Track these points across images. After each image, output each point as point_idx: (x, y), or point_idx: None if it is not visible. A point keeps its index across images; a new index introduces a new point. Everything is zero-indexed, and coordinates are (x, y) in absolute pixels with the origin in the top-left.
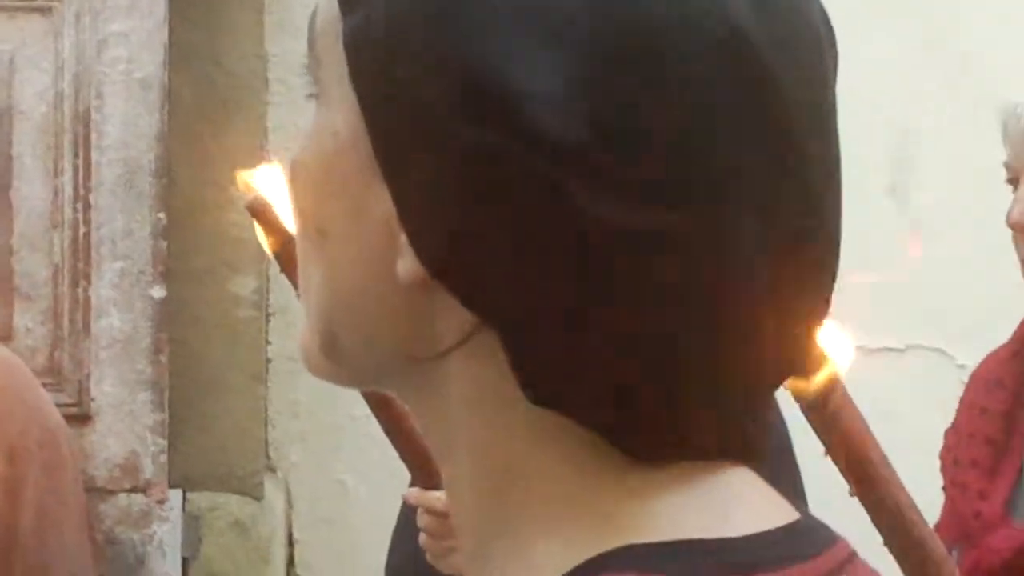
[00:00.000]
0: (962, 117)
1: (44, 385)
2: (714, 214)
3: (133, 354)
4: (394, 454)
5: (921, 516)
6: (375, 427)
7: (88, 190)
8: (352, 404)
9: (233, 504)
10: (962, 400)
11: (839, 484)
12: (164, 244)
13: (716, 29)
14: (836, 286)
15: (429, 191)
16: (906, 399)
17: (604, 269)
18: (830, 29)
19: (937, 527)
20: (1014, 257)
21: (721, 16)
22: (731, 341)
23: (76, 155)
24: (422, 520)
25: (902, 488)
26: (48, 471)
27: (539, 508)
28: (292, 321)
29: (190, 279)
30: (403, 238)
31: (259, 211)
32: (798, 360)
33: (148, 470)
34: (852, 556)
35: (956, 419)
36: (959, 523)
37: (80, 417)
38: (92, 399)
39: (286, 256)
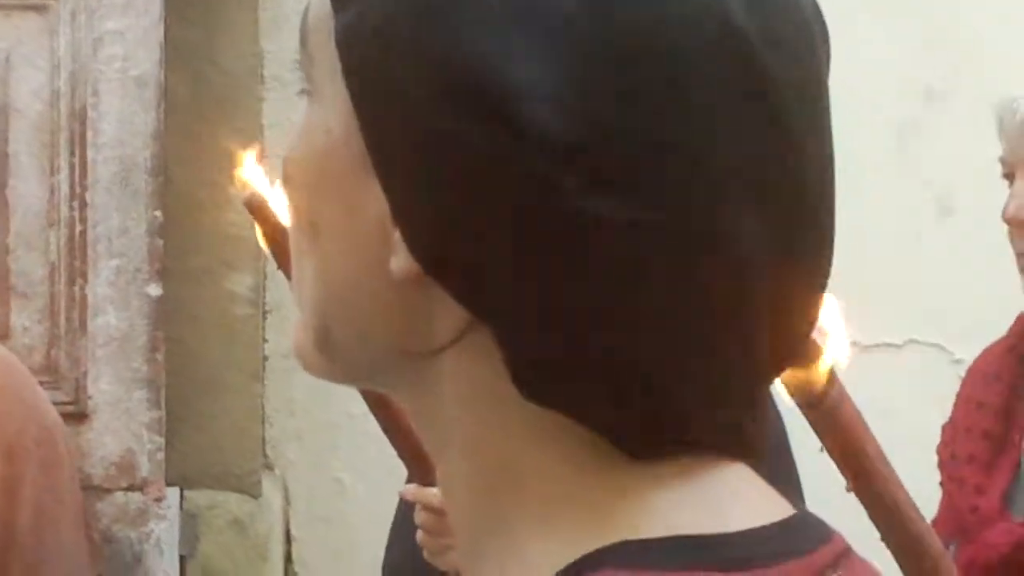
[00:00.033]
0: (959, 114)
1: (41, 383)
2: (711, 211)
3: (130, 352)
4: (392, 452)
5: (918, 511)
6: (373, 425)
7: (84, 188)
8: (349, 402)
9: (231, 502)
10: (959, 395)
11: (836, 480)
12: (160, 242)
13: (713, 28)
14: (833, 282)
15: (422, 188)
16: (904, 395)
17: (599, 266)
18: (822, 24)
19: (934, 522)
20: (1011, 252)
21: (717, 15)
22: (727, 337)
23: (72, 153)
24: (419, 517)
25: (899, 484)
26: (45, 469)
27: (535, 505)
28: (289, 319)
29: (186, 277)
30: (396, 234)
31: (256, 207)
32: (794, 356)
33: (145, 468)
34: (848, 551)
35: (953, 414)
36: (956, 518)
37: (77, 415)
38: (89, 397)
39: (282, 252)
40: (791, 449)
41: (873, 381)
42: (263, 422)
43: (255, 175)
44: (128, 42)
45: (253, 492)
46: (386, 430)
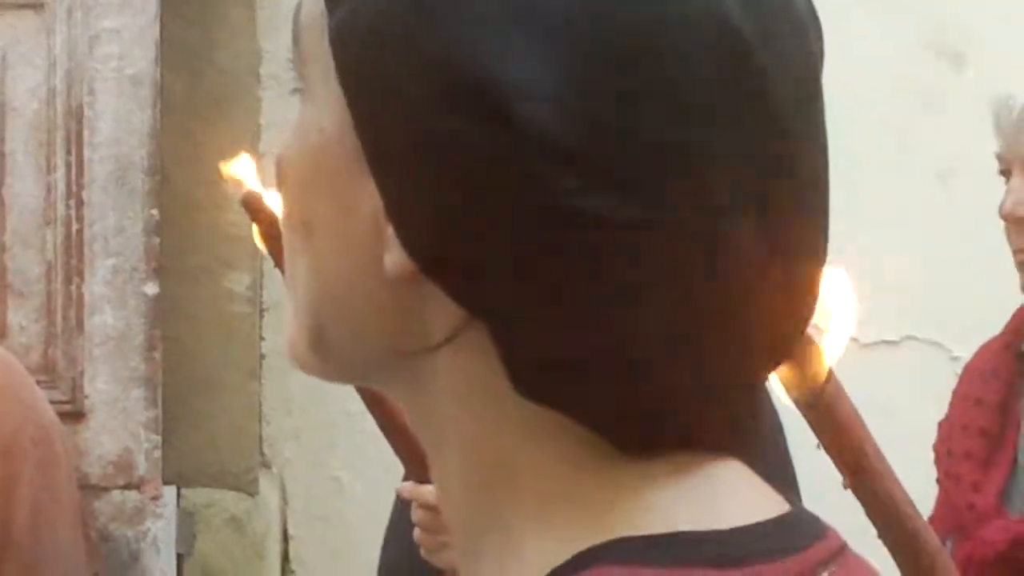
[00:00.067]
0: (956, 112)
1: (38, 382)
2: (709, 210)
3: (127, 351)
4: (389, 449)
5: (915, 508)
6: (370, 423)
7: (81, 187)
8: (347, 400)
9: (228, 500)
10: (956, 392)
11: (833, 477)
12: (157, 241)
13: (711, 27)
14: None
15: (418, 186)
16: (901, 391)
17: (594, 264)
18: (816, 22)
19: (931, 519)
20: (1008, 248)
21: (715, 15)
22: (724, 335)
23: (68, 152)
24: (416, 515)
25: (896, 481)
26: (42, 468)
27: (530, 502)
28: (286, 317)
29: (183, 276)
30: (390, 232)
31: (252, 205)
32: (790, 351)
33: (142, 467)
34: (843, 547)
35: (950, 411)
36: (953, 515)
37: (74, 414)
38: (86, 396)
39: (279, 250)
40: (788, 446)
41: (871, 378)
42: (260, 420)
43: (249, 173)
44: (124, 40)
45: (250, 490)
46: (383, 428)
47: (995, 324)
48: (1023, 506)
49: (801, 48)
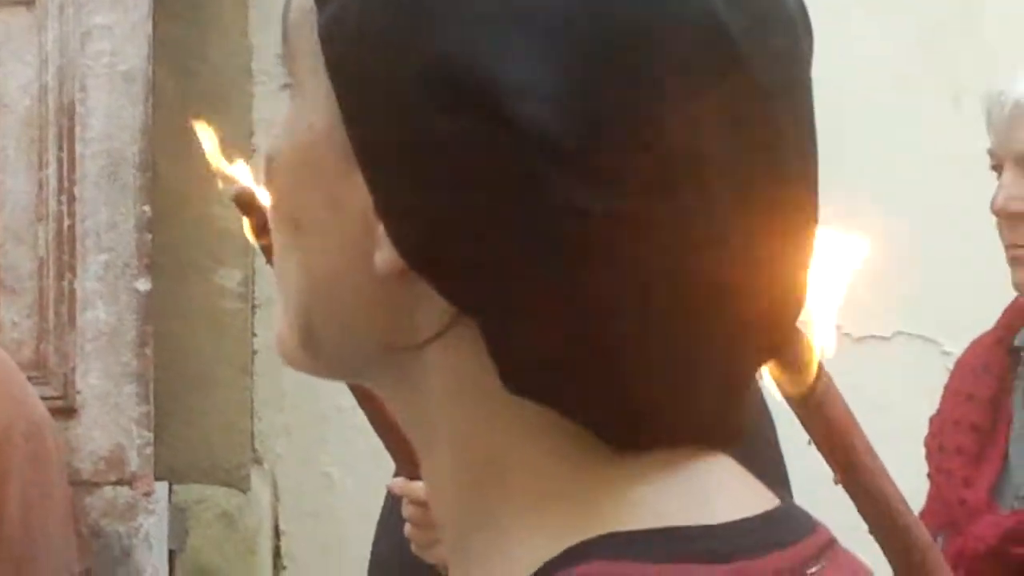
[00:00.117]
0: (951, 109)
1: (29, 378)
2: (694, 202)
3: (118, 347)
4: (380, 445)
5: (906, 504)
6: (361, 419)
7: (72, 183)
8: (338, 396)
9: (219, 496)
10: (947, 387)
11: (824, 473)
12: (149, 237)
13: (698, 22)
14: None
15: (406, 182)
16: (892, 387)
17: (584, 259)
18: (806, 20)
19: (922, 514)
20: (999, 244)
21: (709, 14)
22: (713, 330)
23: (60, 148)
24: (407, 510)
25: (887, 476)
26: (33, 464)
27: (520, 499)
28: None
29: (175, 272)
30: (380, 229)
31: (245, 201)
32: (779, 346)
33: (134, 463)
34: (832, 543)
35: (941, 406)
36: (944, 510)
37: (66, 410)
38: (78, 392)
39: (271, 246)
40: (779, 442)
41: (861, 373)
42: (252, 416)
43: (240, 169)
44: (116, 37)
45: (242, 486)
46: (373, 424)
47: (987, 319)
48: (1014, 501)
49: (792, 48)
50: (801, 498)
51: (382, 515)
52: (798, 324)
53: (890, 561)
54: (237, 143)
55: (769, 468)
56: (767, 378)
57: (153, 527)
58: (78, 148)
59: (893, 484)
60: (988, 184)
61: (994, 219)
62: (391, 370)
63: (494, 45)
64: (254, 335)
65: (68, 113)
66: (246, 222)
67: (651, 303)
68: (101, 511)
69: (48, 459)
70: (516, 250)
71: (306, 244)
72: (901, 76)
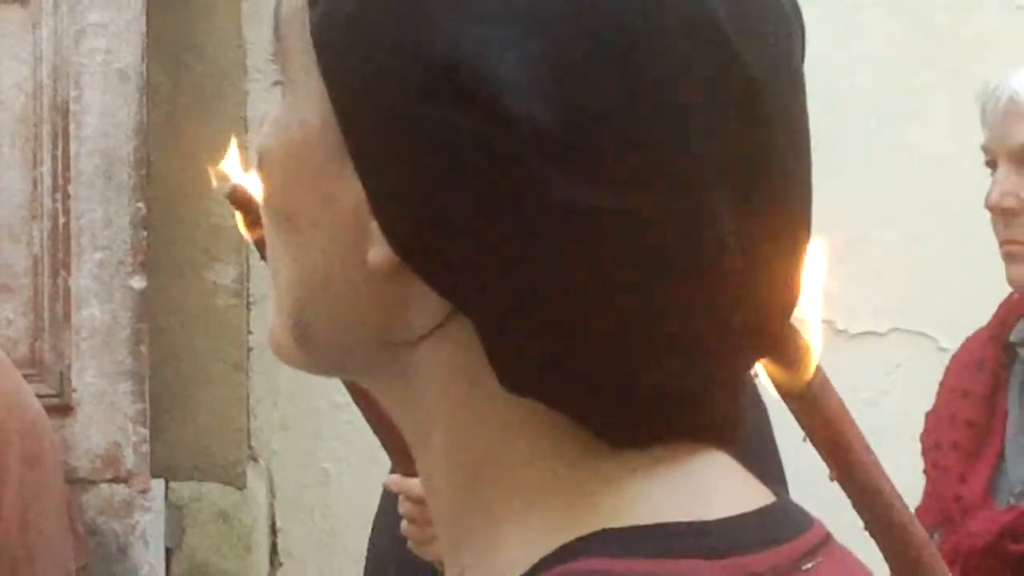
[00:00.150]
0: (948, 107)
1: (25, 376)
2: (686, 195)
3: (114, 344)
4: (376, 441)
5: (902, 500)
6: (357, 415)
7: (67, 181)
8: (334, 392)
9: (216, 493)
10: (942, 383)
11: (820, 469)
12: (144, 234)
13: (693, 19)
14: (818, 271)
15: (400, 178)
16: (888, 383)
17: (578, 254)
18: (797, 10)
19: (918, 510)
20: (994, 240)
21: (697, 6)
22: (706, 325)
23: (55, 146)
24: (403, 507)
25: (883, 473)
26: (29, 462)
27: (514, 494)
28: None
29: (170, 269)
30: (374, 225)
31: (239, 199)
32: (774, 341)
33: (130, 460)
34: (827, 539)
35: (936, 402)
36: (940, 506)
37: (61, 408)
38: (73, 390)
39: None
40: (775, 438)
41: (857, 369)
42: (248, 413)
43: (234, 165)
44: (110, 35)
45: (238, 483)
46: (368, 420)
47: (982, 315)
48: (1010, 497)
49: (784, 41)
50: (797, 495)
51: (378, 511)
52: (792, 320)
53: (886, 558)
54: (231, 140)
55: (765, 465)
56: (762, 375)
57: (149, 524)
58: (73, 146)
59: (889, 480)
60: (983, 181)
61: (989, 215)
62: (385, 366)
63: (487, 41)
64: (249, 332)
65: (62, 111)
66: (240, 218)
67: (647, 300)
68: (97, 509)
69: (44, 457)
70: (510, 246)
71: (299, 240)
72: (899, 72)
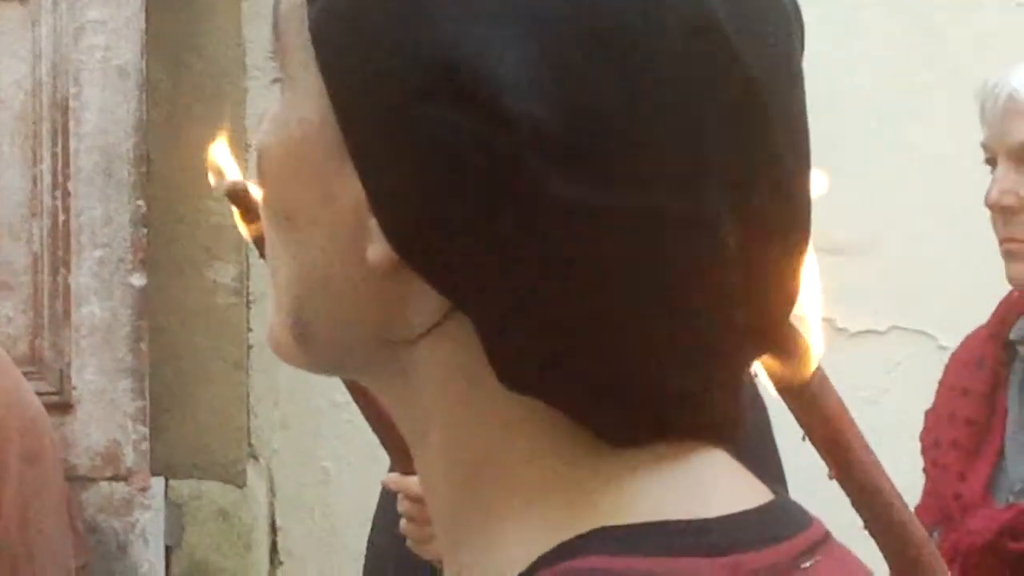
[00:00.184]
0: (948, 107)
1: (25, 374)
2: (686, 195)
3: (114, 342)
4: (376, 440)
5: (901, 499)
6: (356, 413)
7: (67, 178)
8: (334, 390)
9: (215, 492)
10: (942, 381)
11: (819, 468)
12: (144, 232)
13: (693, 18)
14: (816, 269)
15: (399, 175)
16: (887, 381)
17: (577, 253)
18: (798, 12)
19: (917, 509)
20: (994, 238)
21: (697, 5)
22: (705, 324)
23: (55, 143)
24: (403, 506)
25: (882, 471)
26: (29, 460)
27: (514, 493)
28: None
29: (170, 267)
30: (373, 223)
31: (238, 197)
32: (773, 340)
33: (130, 458)
34: (826, 537)
35: (936, 400)
36: (939, 504)
37: (61, 405)
38: (73, 387)
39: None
40: (774, 437)
41: (857, 367)
42: (248, 411)
43: (230, 164)
44: (110, 32)
45: (238, 482)
46: (368, 418)
47: (982, 313)
48: (1010, 495)
49: (785, 42)
50: (796, 493)
51: (378, 510)
52: (792, 319)
53: (885, 556)
54: (231, 138)
55: (764, 463)
56: (762, 373)
57: (149, 523)
58: (72, 143)
59: (888, 479)
60: (982, 180)
61: (988, 214)
62: (384, 364)
63: (487, 41)
64: (249, 330)
65: (62, 108)
66: (239, 216)
67: (647, 298)
68: (97, 507)
69: (44, 455)
70: (510, 245)
71: (298, 238)
72: (898, 72)
